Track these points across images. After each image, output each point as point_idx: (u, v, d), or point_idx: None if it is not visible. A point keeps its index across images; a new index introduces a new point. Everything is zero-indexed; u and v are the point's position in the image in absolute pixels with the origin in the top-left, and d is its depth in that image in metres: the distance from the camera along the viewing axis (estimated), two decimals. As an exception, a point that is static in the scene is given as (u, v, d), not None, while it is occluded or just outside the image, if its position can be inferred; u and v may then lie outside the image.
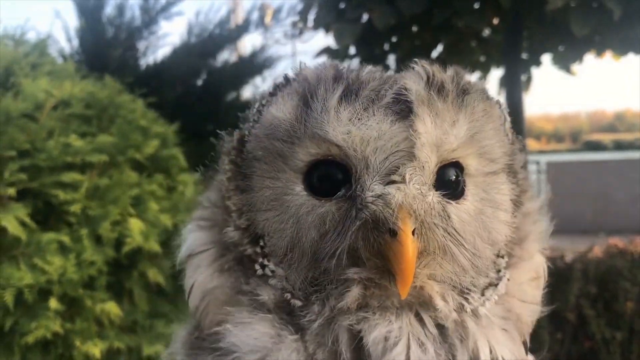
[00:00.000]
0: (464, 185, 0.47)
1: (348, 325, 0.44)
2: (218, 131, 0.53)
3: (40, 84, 1.94)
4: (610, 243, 3.40)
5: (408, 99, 0.44)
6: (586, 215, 7.70)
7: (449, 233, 0.44)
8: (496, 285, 0.48)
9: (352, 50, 3.72)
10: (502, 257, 0.50)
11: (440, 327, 0.45)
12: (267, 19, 4.04)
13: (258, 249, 0.48)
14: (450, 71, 0.47)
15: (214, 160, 0.54)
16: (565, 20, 2.96)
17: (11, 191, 1.69)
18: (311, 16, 3.71)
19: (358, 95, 0.44)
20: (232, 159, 0.51)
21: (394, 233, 0.41)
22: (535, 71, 4.14)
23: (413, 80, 0.45)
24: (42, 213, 1.78)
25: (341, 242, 0.43)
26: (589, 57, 3.82)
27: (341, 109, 0.44)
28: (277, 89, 0.51)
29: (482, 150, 0.48)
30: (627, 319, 2.77)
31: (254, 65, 3.94)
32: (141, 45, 3.54)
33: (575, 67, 3.94)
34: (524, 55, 4.00)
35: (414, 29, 3.55)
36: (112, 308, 1.74)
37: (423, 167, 0.43)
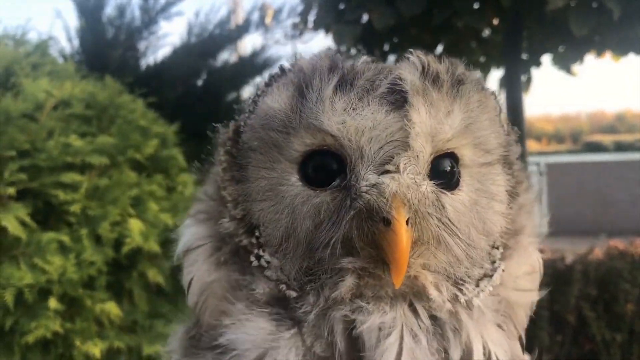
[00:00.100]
0: (459, 176, 0.47)
1: (343, 315, 0.44)
2: (214, 124, 0.54)
3: (41, 84, 1.95)
4: (610, 244, 3.40)
5: (403, 89, 0.44)
6: (586, 216, 7.69)
7: (443, 223, 0.44)
8: (491, 276, 0.48)
9: (352, 51, 3.72)
10: (497, 248, 0.50)
11: (434, 319, 0.45)
12: (268, 20, 4.04)
13: (253, 240, 0.48)
14: (445, 62, 0.47)
15: (210, 154, 0.54)
16: (565, 20, 2.96)
17: (11, 191, 1.69)
18: (311, 17, 3.72)
19: (353, 85, 0.44)
20: (228, 150, 0.51)
21: (387, 222, 0.41)
22: (535, 72, 4.14)
23: (408, 71, 0.45)
24: (42, 213, 1.78)
25: (336, 231, 0.43)
26: (589, 58, 3.82)
27: (336, 99, 0.44)
28: (272, 79, 0.51)
29: (477, 141, 0.48)
30: (627, 321, 2.77)
31: (254, 65, 3.94)
32: (141, 45, 3.55)
33: (575, 67, 3.94)
34: (524, 56, 4.00)
35: (414, 29, 3.55)
36: (112, 308, 1.74)
37: (417, 156, 0.43)
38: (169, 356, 0.52)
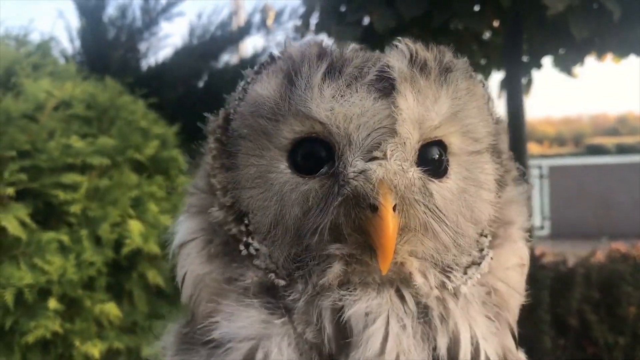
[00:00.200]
0: (448, 164, 0.48)
1: (331, 302, 0.44)
2: (205, 114, 0.54)
3: (42, 84, 1.95)
4: (612, 247, 3.38)
5: (391, 76, 0.44)
6: (588, 219, 7.66)
7: (430, 210, 0.44)
8: (479, 264, 0.49)
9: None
10: (486, 236, 0.50)
11: (421, 306, 0.45)
12: (269, 22, 4.05)
13: (242, 227, 0.48)
14: (433, 49, 0.47)
15: (201, 147, 0.54)
16: (565, 22, 2.96)
17: (11, 191, 1.69)
18: (313, 19, 3.72)
19: (341, 72, 0.44)
20: (218, 137, 0.51)
21: (374, 208, 0.41)
22: (536, 74, 4.15)
23: (396, 58, 0.45)
24: (42, 213, 1.79)
25: (323, 218, 0.43)
26: (590, 60, 3.82)
27: (325, 86, 0.44)
28: (262, 67, 0.51)
29: (466, 129, 0.48)
30: (630, 324, 2.75)
31: (255, 67, 3.95)
32: (142, 46, 3.56)
33: (576, 69, 3.93)
34: (525, 58, 3.99)
35: (414, 31, 3.55)
36: (111, 309, 1.74)
37: (404, 143, 0.43)
38: (163, 352, 0.52)
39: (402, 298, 0.45)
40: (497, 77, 4.15)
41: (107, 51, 3.25)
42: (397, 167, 0.42)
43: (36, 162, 1.78)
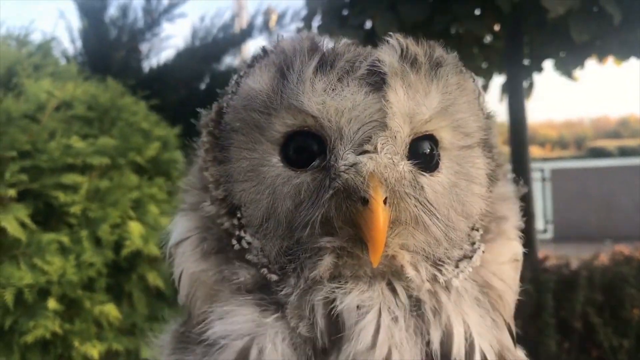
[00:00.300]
0: (439, 159, 0.48)
1: (323, 295, 0.44)
2: (198, 109, 0.54)
3: (43, 84, 1.95)
4: (615, 250, 3.37)
5: (382, 71, 0.44)
6: (591, 222, 7.64)
7: (421, 203, 0.44)
8: (470, 257, 0.49)
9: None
10: (477, 230, 0.50)
11: (414, 299, 0.45)
12: (271, 24, 4.06)
13: (235, 221, 0.49)
14: (424, 45, 0.47)
15: (195, 144, 0.54)
16: (565, 25, 2.96)
17: (12, 192, 1.69)
18: (315, 22, 3.73)
19: (333, 66, 0.45)
20: (210, 131, 0.52)
21: (365, 201, 0.42)
22: (537, 77, 4.15)
23: (387, 53, 0.45)
24: (43, 214, 1.78)
25: (315, 211, 0.44)
26: (591, 63, 3.82)
27: (316, 79, 0.44)
28: (254, 60, 0.51)
29: (456, 124, 0.49)
30: (634, 326, 2.73)
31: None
32: (144, 47, 3.57)
33: (577, 72, 3.93)
34: (526, 62, 4.00)
35: (416, 35, 3.56)
36: (111, 310, 1.73)
37: (395, 137, 0.44)
38: (160, 352, 0.51)
39: (393, 291, 0.45)
40: (498, 80, 4.16)
41: (108, 52, 3.26)
42: (387, 161, 0.42)
43: (37, 163, 1.78)
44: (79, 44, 3.38)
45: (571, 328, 2.75)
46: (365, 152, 0.43)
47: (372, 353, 0.42)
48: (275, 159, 0.47)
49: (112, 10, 3.43)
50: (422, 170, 0.46)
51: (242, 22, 4.48)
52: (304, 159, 0.46)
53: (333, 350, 0.43)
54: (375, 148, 0.43)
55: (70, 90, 2.02)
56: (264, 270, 0.46)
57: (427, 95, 0.45)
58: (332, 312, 0.43)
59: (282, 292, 0.45)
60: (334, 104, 0.44)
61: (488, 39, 3.89)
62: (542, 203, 8.12)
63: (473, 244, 0.50)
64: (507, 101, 3.91)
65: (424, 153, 0.47)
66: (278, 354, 0.42)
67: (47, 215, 1.80)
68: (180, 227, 0.52)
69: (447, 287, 0.46)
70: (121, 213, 1.88)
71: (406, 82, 0.44)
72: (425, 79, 0.45)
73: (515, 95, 3.88)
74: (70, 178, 1.81)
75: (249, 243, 0.48)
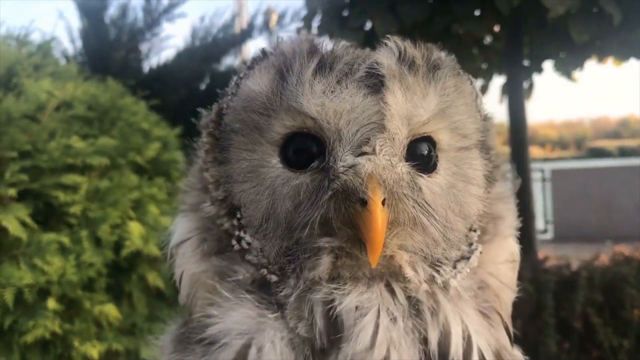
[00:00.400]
0: (437, 160, 0.48)
1: (322, 296, 0.45)
2: (198, 110, 0.55)
3: (43, 85, 1.96)
4: (616, 250, 3.37)
5: (380, 73, 0.45)
6: (591, 222, 7.64)
7: (419, 204, 0.45)
8: (468, 258, 0.49)
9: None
10: (475, 230, 0.51)
11: (412, 299, 0.45)
12: (272, 24, 4.06)
13: (235, 221, 0.49)
14: (422, 47, 0.48)
15: (195, 144, 0.55)
16: (565, 26, 2.97)
17: (12, 192, 1.69)
18: (315, 23, 3.73)
19: (332, 68, 0.45)
20: (210, 132, 0.52)
21: (364, 202, 0.42)
22: (537, 78, 4.15)
23: (385, 55, 0.46)
24: (43, 214, 1.78)
25: (314, 212, 0.44)
26: (591, 63, 3.82)
27: (315, 82, 0.45)
28: (254, 62, 0.52)
29: (454, 126, 0.49)
30: (634, 327, 2.73)
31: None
32: (144, 47, 3.57)
33: (577, 73, 3.93)
34: (526, 62, 4.00)
35: (416, 36, 3.56)
36: (110, 310, 1.73)
37: (393, 138, 0.44)
38: (161, 352, 0.51)
39: (392, 292, 0.45)
40: (498, 81, 4.16)
41: (108, 52, 3.26)
42: (385, 162, 0.43)
43: (37, 163, 1.78)
44: (78, 43, 3.38)
45: (571, 328, 2.75)
46: (364, 153, 0.43)
47: (371, 353, 0.42)
48: (275, 160, 0.48)
49: (112, 10, 3.44)
50: (420, 172, 0.46)
51: (243, 22, 4.48)
52: (303, 160, 0.47)
53: (332, 351, 0.43)
54: (374, 150, 0.43)
55: (70, 91, 2.02)
56: (264, 271, 0.47)
57: (425, 97, 0.46)
58: (331, 313, 0.44)
59: (282, 293, 0.45)
60: (333, 106, 0.44)
61: (488, 39, 3.89)
62: (542, 203, 8.12)
63: (471, 244, 0.50)
64: (507, 102, 3.91)
65: (421, 154, 0.47)
66: (277, 353, 0.43)
67: (47, 215, 1.80)
68: (180, 228, 0.52)
69: (445, 288, 0.47)
70: (121, 213, 1.88)
71: (404, 84, 0.45)
72: (423, 81, 0.46)
73: (515, 95, 3.88)
74: (70, 178, 1.82)
75: (248, 243, 0.48)
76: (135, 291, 1.90)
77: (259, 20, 4.00)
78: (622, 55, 3.61)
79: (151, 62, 3.64)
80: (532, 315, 2.69)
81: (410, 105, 0.45)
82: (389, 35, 0.48)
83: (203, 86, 3.84)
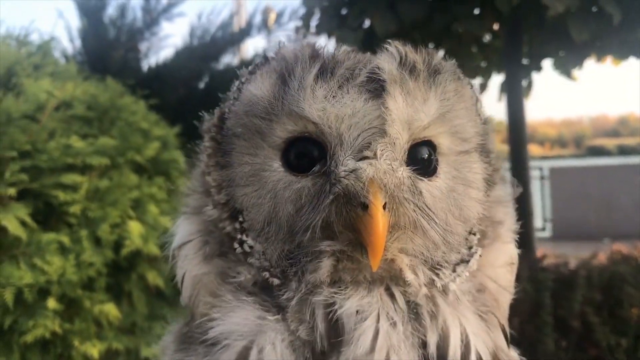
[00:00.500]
0: (437, 164, 0.49)
1: (323, 300, 0.45)
2: (200, 113, 0.55)
3: (42, 84, 1.96)
4: (614, 249, 3.37)
5: (381, 78, 0.45)
6: (590, 221, 7.65)
7: (419, 208, 0.45)
8: (467, 261, 0.50)
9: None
10: (474, 234, 0.51)
11: (411, 303, 0.46)
12: (270, 23, 4.06)
13: (237, 225, 0.49)
14: (422, 52, 0.49)
15: (197, 147, 0.55)
16: (565, 25, 2.97)
17: (12, 191, 1.69)
18: (313, 22, 3.73)
19: (333, 73, 0.46)
20: (213, 136, 0.53)
21: (365, 206, 0.43)
22: (537, 76, 4.15)
23: (386, 60, 0.46)
24: (43, 213, 1.78)
25: (315, 215, 0.45)
26: (590, 62, 3.82)
27: (317, 87, 0.45)
28: (256, 67, 0.52)
29: (454, 130, 0.50)
30: (632, 325, 2.74)
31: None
32: (143, 46, 3.57)
33: (576, 72, 3.93)
34: (525, 61, 4.00)
35: (415, 35, 3.56)
36: (110, 309, 1.73)
37: (394, 143, 0.45)
38: (163, 352, 0.52)
39: (392, 296, 0.46)
40: (497, 79, 4.15)
41: (107, 51, 3.26)
42: (386, 167, 0.43)
43: (36, 163, 1.78)
44: (78, 43, 3.38)
45: (569, 327, 2.75)
46: (365, 158, 0.44)
47: (371, 357, 0.43)
48: (277, 164, 0.48)
49: (111, 10, 3.44)
50: (420, 175, 0.47)
51: (241, 21, 4.48)
52: (304, 164, 0.47)
53: (332, 354, 0.44)
54: (375, 154, 0.43)
55: (70, 90, 2.02)
56: (266, 274, 0.47)
57: (425, 102, 0.46)
58: (332, 317, 0.44)
59: (284, 296, 0.46)
60: (334, 111, 0.45)
61: (487, 38, 3.89)
62: (541, 201, 8.13)
63: (470, 247, 0.50)
64: (506, 100, 3.92)
65: (422, 158, 0.48)
66: (277, 354, 0.43)
67: (47, 215, 1.80)
68: (182, 230, 0.53)
69: (444, 291, 0.47)
70: (121, 213, 1.88)
71: (405, 89, 0.45)
72: (423, 86, 0.46)
73: (514, 94, 3.88)
74: (69, 178, 1.82)
75: (250, 247, 0.48)
76: (135, 290, 1.90)
77: (258, 19, 4.00)
78: (622, 54, 3.61)
79: (150, 62, 3.65)
80: (530, 313, 2.70)
81: (411, 110, 0.45)
82: (389, 40, 0.48)
83: (202, 85, 3.83)
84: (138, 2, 3.56)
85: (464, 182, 0.50)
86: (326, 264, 0.45)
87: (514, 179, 0.57)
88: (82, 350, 1.63)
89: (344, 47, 0.50)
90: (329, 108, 0.45)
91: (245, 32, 3.97)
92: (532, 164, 5.85)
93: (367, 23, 3.43)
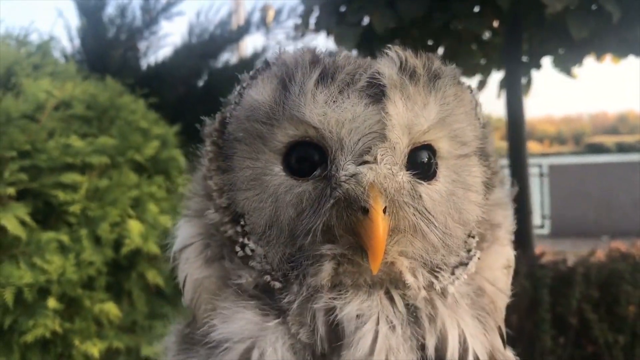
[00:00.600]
0: (436, 168, 0.49)
1: (323, 303, 0.46)
2: (204, 115, 0.55)
3: (42, 84, 1.95)
4: (612, 246, 3.38)
5: (381, 83, 0.46)
6: (589, 218, 7.66)
7: (419, 212, 0.46)
8: (466, 264, 0.50)
9: (354, 53, 3.72)
10: (473, 237, 0.52)
11: (410, 307, 0.47)
12: (269, 20, 4.05)
13: (238, 228, 0.50)
14: (422, 57, 0.49)
15: (198, 150, 0.56)
16: (564, 23, 2.96)
17: (11, 191, 1.70)
18: (312, 19, 3.72)
19: (334, 78, 0.46)
20: (214, 140, 0.53)
21: (365, 211, 0.43)
22: (537, 74, 4.14)
23: (386, 65, 0.47)
24: (42, 213, 1.79)
25: (316, 219, 0.45)
26: (589, 60, 3.82)
27: (318, 91, 0.46)
28: (257, 72, 0.53)
29: (454, 134, 0.50)
30: (629, 323, 2.75)
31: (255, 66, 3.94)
32: (142, 45, 3.56)
33: (575, 69, 3.93)
34: (524, 58, 3.99)
35: (415, 32, 3.56)
36: (111, 308, 1.74)
37: (394, 147, 0.45)
38: (165, 352, 0.53)
39: (391, 300, 0.46)
40: (496, 76, 4.15)
41: (107, 50, 3.25)
42: (387, 171, 0.44)
43: (36, 162, 1.78)
44: (77, 42, 3.37)
45: (567, 324, 2.77)
46: (366, 162, 0.44)
47: None
48: (278, 168, 0.48)
49: (110, 9, 3.43)
50: (420, 179, 0.47)
51: (239, 19, 4.47)
52: (305, 168, 0.47)
53: (332, 357, 0.44)
54: (375, 159, 0.44)
55: (69, 90, 2.02)
56: (267, 277, 0.48)
57: (425, 106, 0.46)
58: (332, 320, 0.45)
59: (285, 300, 0.46)
60: (335, 116, 0.45)
61: (487, 35, 3.89)
62: (540, 198, 8.14)
63: (469, 250, 0.51)
64: (506, 97, 3.92)
65: (422, 162, 0.48)
66: (278, 357, 0.44)
67: (47, 215, 1.80)
68: (184, 233, 0.53)
69: (443, 294, 0.48)
70: (120, 212, 1.89)
71: (405, 94, 0.46)
72: (423, 90, 0.47)
73: (514, 91, 3.88)
74: (69, 177, 1.82)
75: (252, 250, 0.49)
76: (135, 289, 1.91)
77: (256, 17, 3.99)
78: (621, 52, 3.61)
79: (149, 60, 3.64)
80: (528, 310, 2.72)
81: (411, 115, 0.46)
82: (389, 42, 0.49)
83: (201, 83, 3.83)
84: (137, 1, 3.56)
85: (463, 186, 0.51)
86: (327, 268, 0.45)
87: (513, 180, 0.58)
88: (82, 349, 1.63)
89: (345, 52, 0.50)
90: (329, 113, 0.45)
91: (244, 30, 3.96)
92: (531, 161, 5.86)
93: (366, 20, 3.42)
